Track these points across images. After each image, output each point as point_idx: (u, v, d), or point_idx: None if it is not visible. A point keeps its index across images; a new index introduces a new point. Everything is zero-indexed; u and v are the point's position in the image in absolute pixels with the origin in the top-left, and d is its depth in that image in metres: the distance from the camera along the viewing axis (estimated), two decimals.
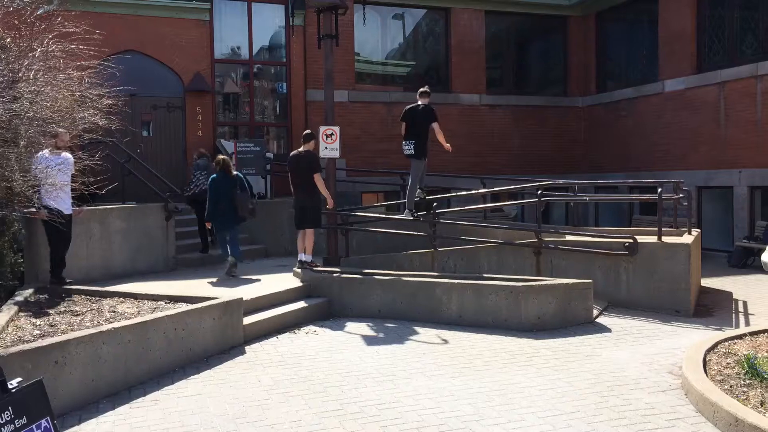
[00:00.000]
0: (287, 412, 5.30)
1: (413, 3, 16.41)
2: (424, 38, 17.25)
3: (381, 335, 7.77)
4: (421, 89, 10.45)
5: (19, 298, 7.32)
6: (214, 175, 10.09)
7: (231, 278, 9.61)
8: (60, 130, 7.27)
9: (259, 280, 9.47)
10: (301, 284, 8.98)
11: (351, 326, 8.14)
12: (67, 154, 7.79)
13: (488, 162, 16.71)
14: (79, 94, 7.00)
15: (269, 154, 14.38)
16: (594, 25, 17.65)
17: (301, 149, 9.72)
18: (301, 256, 9.57)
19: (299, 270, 9.40)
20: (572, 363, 6.51)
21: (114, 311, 6.94)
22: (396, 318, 8.46)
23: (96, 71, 7.81)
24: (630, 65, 16.99)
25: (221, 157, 10.38)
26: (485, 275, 9.11)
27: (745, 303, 9.46)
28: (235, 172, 10.26)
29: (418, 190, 10.51)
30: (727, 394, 5.05)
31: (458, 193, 12.96)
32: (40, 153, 7.19)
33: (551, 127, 17.59)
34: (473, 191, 12.76)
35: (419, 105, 10.24)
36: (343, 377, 6.16)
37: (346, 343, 7.38)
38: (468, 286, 8.29)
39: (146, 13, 13.96)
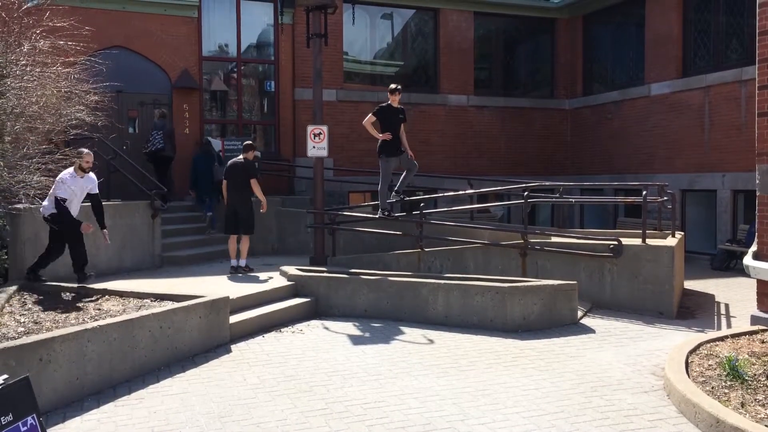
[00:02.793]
0: (273, 411, 5.30)
1: (402, 3, 16.41)
2: (412, 38, 17.27)
3: (367, 335, 7.79)
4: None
5: (2, 295, 7.26)
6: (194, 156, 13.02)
7: (211, 236, 12.04)
8: (84, 150, 7.87)
9: (245, 278, 9.47)
10: (287, 283, 8.97)
11: (337, 326, 8.15)
12: (92, 176, 8.19)
13: (475, 163, 16.78)
14: (66, 89, 6.95)
15: (257, 153, 14.30)
16: (581, 27, 17.75)
17: (239, 157, 10.14)
18: (233, 262, 9.89)
19: (286, 269, 9.40)
20: (557, 363, 6.56)
21: (99, 309, 6.91)
22: (382, 318, 8.49)
23: (83, 67, 7.77)
24: (616, 68, 17.10)
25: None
26: (471, 276, 9.15)
27: (727, 305, 9.58)
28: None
29: (393, 194, 10.43)
30: (708, 395, 5.12)
31: (445, 194, 12.99)
32: (67, 172, 7.70)
33: (538, 128, 17.68)
34: (460, 192, 12.80)
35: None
36: (329, 376, 6.17)
37: (332, 343, 7.39)
38: (454, 286, 8.32)
39: (134, 9, 13.88)
